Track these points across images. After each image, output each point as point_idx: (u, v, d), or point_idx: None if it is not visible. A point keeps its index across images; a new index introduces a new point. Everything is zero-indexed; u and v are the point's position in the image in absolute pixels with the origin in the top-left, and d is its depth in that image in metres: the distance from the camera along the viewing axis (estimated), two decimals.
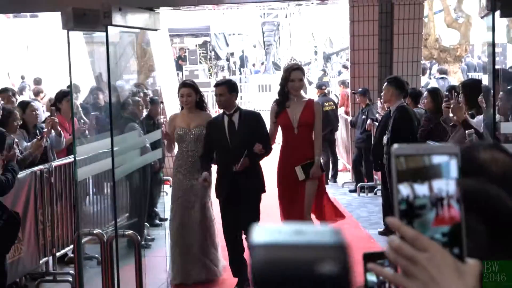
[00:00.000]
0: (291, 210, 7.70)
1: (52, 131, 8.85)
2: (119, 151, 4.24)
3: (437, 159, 1.32)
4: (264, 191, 7.72)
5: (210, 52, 37.15)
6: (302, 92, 7.98)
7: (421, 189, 1.34)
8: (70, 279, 8.10)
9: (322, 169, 7.86)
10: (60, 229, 8.32)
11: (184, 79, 22.56)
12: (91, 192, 8.16)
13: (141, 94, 8.40)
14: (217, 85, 8.13)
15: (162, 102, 9.57)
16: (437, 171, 1.33)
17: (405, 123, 8.74)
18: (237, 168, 7.34)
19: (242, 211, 7.41)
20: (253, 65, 41.12)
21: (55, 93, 10.62)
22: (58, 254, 8.37)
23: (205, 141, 7.71)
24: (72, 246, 8.67)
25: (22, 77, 20.81)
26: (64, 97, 10.22)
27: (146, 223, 7.94)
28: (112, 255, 4.31)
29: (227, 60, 39.90)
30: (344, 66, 17.73)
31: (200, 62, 35.26)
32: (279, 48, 41.16)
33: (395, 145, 1.34)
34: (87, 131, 8.07)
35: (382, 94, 9.58)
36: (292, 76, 7.59)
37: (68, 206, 8.51)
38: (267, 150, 7.57)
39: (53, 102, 11.02)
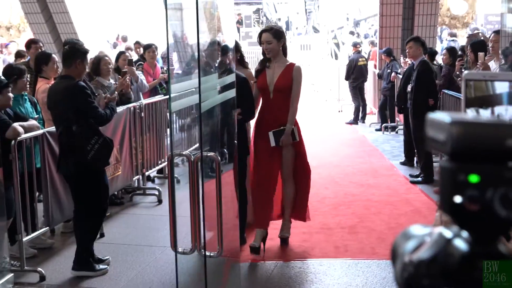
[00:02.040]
0: (265, 173, 6.11)
1: (140, 77, 8.95)
2: (203, 89, 4.25)
3: (499, 87, 1.30)
4: (243, 154, 6.12)
5: (262, 17, 37.18)
6: (282, 55, 6.12)
7: (485, 113, 1.31)
8: (156, 193, 8.27)
9: (293, 137, 6.01)
10: (148, 153, 8.46)
11: (241, 39, 22.63)
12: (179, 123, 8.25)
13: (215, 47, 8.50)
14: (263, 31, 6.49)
15: None
16: (499, 98, 1.30)
17: (427, 75, 8.72)
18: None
19: None
20: (296, 28, 40.78)
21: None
22: (146, 173, 8.51)
23: None
24: (157, 167, 8.87)
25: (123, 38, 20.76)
26: (146, 49, 10.35)
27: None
28: (198, 172, 4.35)
29: (275, 23, 39.71)
30: (372, 42, 17.59)
31: (253, 25, 35.37)
32: (317, 14, 40.68)
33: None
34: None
35: (406, 51, 9.49)
36: (262, 39, 5.99)
37: (155, 135, 8.64)
38: (247, 115, 6.19)
39: (140, 54, 11.18)
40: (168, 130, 8.03)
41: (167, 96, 8.66)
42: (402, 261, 1.03)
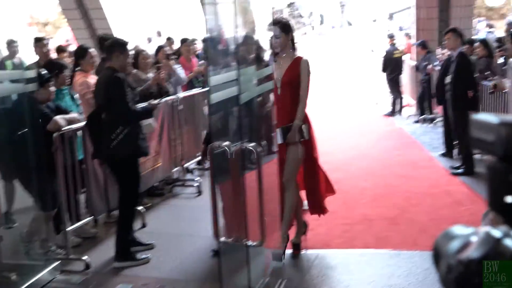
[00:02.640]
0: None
1: (177, 71, 9.01)
2: (242, 81, 4.27)
3: None
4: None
5: (295, 10, 37.13)
6: (290, 49, 5.71)
7: None
8: (195, 184, 8.34)
9: (302, 135, 5.56)
10: (187, 146, 8.52)
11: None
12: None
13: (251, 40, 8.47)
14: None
15: None
16: None
17: (466, 66, 8.62)
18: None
19: None
20: (330, 22, 40.70)
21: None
22: (185, 165, 8.58)
23: None
24: (195, 159, 8.94)
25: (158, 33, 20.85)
26: (183, 43, 10.46)
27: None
28: (238, 163, 4.38)
29: (308, 17, 39.73)
30: (407, 34, 17.48)
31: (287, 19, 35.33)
32: (352, 7, 40.53)
33: None
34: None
35: (443, 43, 9.40)
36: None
37: (193, 128, 8.70)
38: None
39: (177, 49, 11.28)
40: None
41: (204, 89, 8.74)
42: (448, 261, 1.04)
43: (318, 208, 6.01)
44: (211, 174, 4.46)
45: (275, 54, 5.71)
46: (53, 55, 10.50)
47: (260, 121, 5.44)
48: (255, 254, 4.63)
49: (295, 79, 5.56)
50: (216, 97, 4.29)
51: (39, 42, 9.17)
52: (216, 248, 5.56)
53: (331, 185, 6.11)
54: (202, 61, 10.23)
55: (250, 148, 4.52)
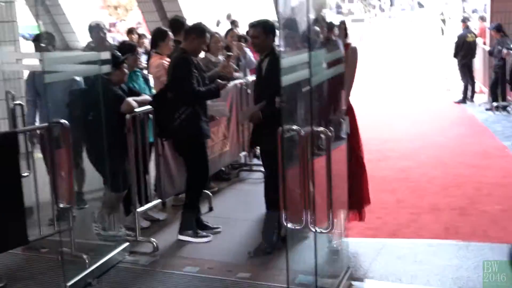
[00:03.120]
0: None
1: (247, 53, 9.04)
2: (314, 63, 4.26)
3: None
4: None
5: None
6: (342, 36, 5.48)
7: None
8: (262, 169, 8.37)
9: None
10: None
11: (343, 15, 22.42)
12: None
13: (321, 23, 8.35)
14: (251, 26, 5.91)
15: None
16: None
17: None
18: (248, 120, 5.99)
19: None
20: (401, 4, 39.99)
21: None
22: (254, 149, 8.62)
23: None
24: None
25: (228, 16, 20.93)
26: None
27: None
28: (307, 147, 4.38)
29: (379, 0, 39.20)
30: (481, 17, 17.01)
31: (356, 1, 34.88)
32: None
33: None
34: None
35: None
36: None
37: None
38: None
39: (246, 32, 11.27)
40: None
41: None
42: None
43: (355, 212, 5.72)
44: (279, 158, 4.47)
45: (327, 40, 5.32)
46: (124, 37, 10.67)
47: (329, 106, 5.39)
48: (322, 240, 4.63)
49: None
50: (286, 80, 4.31)
51: (130, 33, 9.46)
52: (253, 251, 5.66)
53: (368, 194, 5.79)
54: None
55: (321, 131, 4.51)
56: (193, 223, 6.11)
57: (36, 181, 5.81)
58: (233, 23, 13.55)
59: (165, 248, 5.95)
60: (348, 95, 5.22)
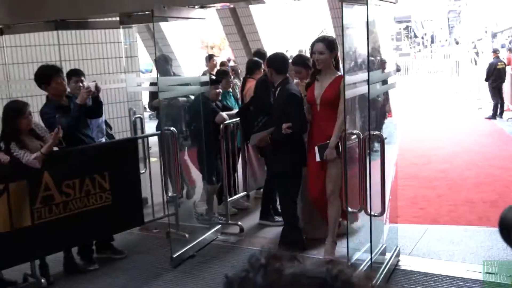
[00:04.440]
0: (314, 188, 4.92)
1: None
2: (371, 81, 4.19)
3: None
4: (285, 175, 5.04)
5: (411, 32, 35.96)
6: (332, 67, 4.79)
7: None
8: None
9: (338, 152, 4.60)
10: None
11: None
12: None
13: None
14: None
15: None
16: None
17: None
18: (252, 143, 5.49)
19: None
20: (439, 41, 38.91)
21: None
22: None
23: None
24: None
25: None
26: None
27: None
28: (366, 149, 4.29)
29: (422, 38, 38.32)
30: (509, 49, 16.41)
31: (403, 40, 34.28)
32: (459, 28, 38.59)
33: None
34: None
35: None
36: (314, 48, 4.74)
37: None
38: (297, 131, 4.87)
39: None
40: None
41: None
42: None
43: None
44: (342, 156, 4.41)
45: (316, 72, 4.82)
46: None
47: (381, 115, 5.29)
48: (375, 223, 4.53)
49: (333, 97, 4.62)
50: (350, 93, 4.27)
51: (211, 58, 9.60)
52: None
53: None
54: None
55: (377, 134, 4.43)
56: (270, 211, 6.09)
57: (150, 176, 5.96)
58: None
59: (249, 229, 5.96)
60: (342, 122, 4.46)
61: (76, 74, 5.45)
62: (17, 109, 4.52)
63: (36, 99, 6.07)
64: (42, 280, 4.80)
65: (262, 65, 6.92)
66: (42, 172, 4.62)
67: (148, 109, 10.04)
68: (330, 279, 0.65)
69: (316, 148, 4.71)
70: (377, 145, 4.71)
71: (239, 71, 10.62)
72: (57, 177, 4.77)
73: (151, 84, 6.81)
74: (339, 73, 4.71)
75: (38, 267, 4.90)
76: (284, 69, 5.10)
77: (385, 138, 4.57)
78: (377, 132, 4.36)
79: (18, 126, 4.49)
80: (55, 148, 4.70)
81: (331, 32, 14.85)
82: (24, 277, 4.93)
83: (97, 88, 4.95)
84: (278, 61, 5.14)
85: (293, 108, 4.85)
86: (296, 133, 4.88)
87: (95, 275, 5.05)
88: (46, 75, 4.87)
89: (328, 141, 4.63)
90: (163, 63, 6.62)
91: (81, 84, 5.22)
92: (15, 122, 4.48)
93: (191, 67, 6.90)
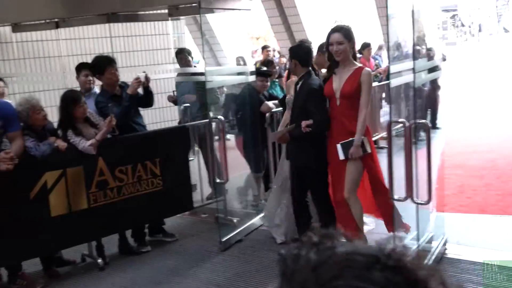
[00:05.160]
0: (336, 189, 4.51)
1: None
2: (416, 69, 4.15)
3: None
4: (314, 170, 4.61)
5: (457, 21, 35.04)
6: (351, 58, 4.39)
7: None
8: None
9: (364, 149, 4.29)
10: None
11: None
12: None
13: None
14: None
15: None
16: None
17: None
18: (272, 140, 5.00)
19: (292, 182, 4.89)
20: (487, 30, 37.76)
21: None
22: None
23: None
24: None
25: None
26: (365, 48, 10.27)
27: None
28: (411, 138, 4.26)
29: (469, 26, 37.29)
30: None
31: (449, 29, 33.52)
32: (508, 16, 37.34)
33: None
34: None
35: None
36: (332, 39, 4.34)
37: (370, 114, 8.52)
38: (317, 129, 4.43)
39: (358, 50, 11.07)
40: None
41: (380, 83, 8.59)
42: None
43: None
44: (388, 144, 4.38)
45: (333, 64, 4.45)
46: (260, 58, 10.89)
47: (427, 104, 5.20)
48: (422, 211, 4.50)
49: (354, 91, 4.28)
50: (396, 81, 4.24)
51: (265, 49, 9.64)
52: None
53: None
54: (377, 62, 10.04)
55: (423, 123, 4.39)
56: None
57: (199, 163, 6.06)
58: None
59: None
60: (365, 116, 4.27)
61: (85, 68, 5.42)
62: (73, 98, 4.70)
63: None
64: (99, 260, 4.99)
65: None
66: (97, 158, 4.80)
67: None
68: (383, 257, 0.65)
69: (338, 146, 4.34)
70: (423, 134, 4.66)
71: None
72: (111, 163, 4.93)
73: (179, 74, 6.89)
74: (359, 64, 4.42)
75: (95, 248, 5.10)
76: (308, 61, 4.69)
77: (439, 128, 4.51)
78: (423, 121, 4.31)
79: (74, 114, 4.67)
80: (109, 136, 4.85)
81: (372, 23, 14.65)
82: (82, 257, 5.15)
83: (147, 79, 5.08)
84: (303, 52, 4.71)
85: (313, 104, 4.43)
86: (316, 132, 4.47)
87: (147, 256, 5.21)
88: (100, 66, 5.03)
89: (351, 138, 4.28)
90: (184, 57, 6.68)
91: (91, 78, 5.34)
92: (71, 110, 4.66)
93: (237, 58, 6.94)
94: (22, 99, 4.71)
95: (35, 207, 4.51)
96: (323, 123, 4.42)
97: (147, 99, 5.21)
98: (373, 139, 8.53)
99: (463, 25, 35.73)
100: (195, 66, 7.70)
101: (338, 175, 4.43)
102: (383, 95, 9.26)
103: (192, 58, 6.51)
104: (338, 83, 4.36)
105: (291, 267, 0.67)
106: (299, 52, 4.71)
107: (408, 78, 4.30)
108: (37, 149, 4.44)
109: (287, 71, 7.30)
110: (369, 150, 4.31)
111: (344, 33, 4.33)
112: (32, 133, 4.50)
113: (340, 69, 4.39)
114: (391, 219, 4.47)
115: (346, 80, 4.32)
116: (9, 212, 4.37)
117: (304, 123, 4.36)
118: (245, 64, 6.42)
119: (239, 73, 5.99)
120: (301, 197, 4.78)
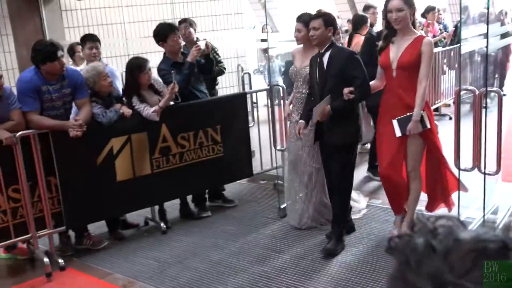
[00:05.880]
0: (385, 163, 4.17)
1: None
2: (490, 34, 3.92)
3: None
4: (352, 147, 4.25)
5: None
6: (411, 26, 3.99)
7: None
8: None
9: (423, 125, 3.95)
10: (427, 95, 8.08)
11: None
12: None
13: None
14: (313, 17, 4.27)
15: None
16: None
17: None
18: (316, 118, 4.16)
19: (327, 166, 4.43)
20: None
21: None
22: None
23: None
24: (433, 107, 8.48)
25: None
26: (429, 11, 9.84)
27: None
28: (481, 105, 4.07)
29: None
30: None
31: None
32: None
33: None
34: None
35: None
36: (390, 6, 3.95)
37: (432, 81, 8.23)
38: (361, 94, 4.05)
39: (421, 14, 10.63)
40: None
41: (444, 48, 8.24)
42: None
43: (438, 203, 4.42)
44: (456, 112, 4.21)
45: (390, 32, 4.07)
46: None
47: (495, 70, 4.94)
48: (487, 181, 4.32)
49: (413, 61, 3.93)
50: (466, 48, 4.03)
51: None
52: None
53: (455, 181, 4.27)
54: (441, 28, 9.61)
55: (495, 91, 4.18)
56: (376, 164, 5.97)
57: (259, 130, 6.04)
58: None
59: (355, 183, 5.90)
60: (424, 89, 3.94)
61: (90, 39, 5.32)
62: (138, 65, 4.73)
63: (151, 56, 6.29)
64: (161, 224, 5.10)
65: (369, 21, 6.69)
66: (161, 124, 4.85)
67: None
68: (510, 242, 0.63)
69: (394, 121, 4.00)
70: (489, 101, 4.45)
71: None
72: (174, 130, 4.98)
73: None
74: (419, 33, 4.07)
75: (157, 212, 5.21)
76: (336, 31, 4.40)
77: (505, 94, 4.30)
78: (494, 88, 4.10)
79: (139, 81, 4.71)
80: (172, 103, 4.88)
81: None
82: (145, 220, 5.28)
83: (207, 46, 5.04)
84: (335, 20, 4.30)
85: (357, 69, 4.04)
86: (362, 98, 4.19)
87: (208, 221, 5.28)
88: (163, 33, 5.03)
89: (409, 114, 3.94)
90: None
91: (95, 51, 5.25)
92: (136, 77, 4.70)
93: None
94: (88, 66, 4.79)
95: (102, 172, 4.63)
96: (368, 86, 4.08)
97: (208, 66, 5.18)
98: (435, 106, 8.33)
99: None
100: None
101: (394, 152, 4.09)
102: (445, 60, 8.90)
103: (195, 29, 5.74)
104: (395, 52, 4.01)
105: (416, 255, 0.63)
106: (335, 20, 4.30)
107: (480, 44, 4.09)
108: (104, 116, 4.53)
109: (347, 37, 7.07)
110: (428, 126, 3.99)
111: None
112: (99, 100, 4.58)
113: (398, 38, 4.03)
114: (448, 196, 4.29)
115: (405, 49, 3.96)
116: (78, 177, 4.50)
117: (346, 90, 3.93)
118: None
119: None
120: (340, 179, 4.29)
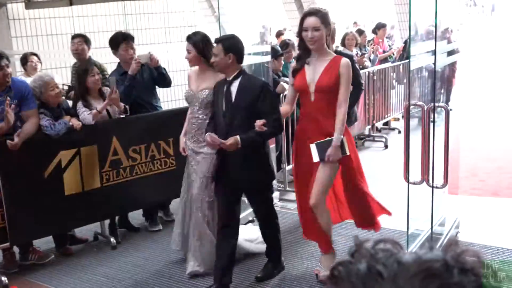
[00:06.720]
0: (304, 195, 3.85)
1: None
2: (437, 51, 4.01)
3: None
4: (266, 186, 3.96)
5: (470, 0, 34.18)
6: (326, 47, 3.71)
7: None
8: (383, 140, 8.13)
9: (343, 151, 3.66)
10: (378, 109, 8.28)
11: None
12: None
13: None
14: (215, 41, 3.87)
15: None
16: None
17: None
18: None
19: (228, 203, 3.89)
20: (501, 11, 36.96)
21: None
22: (376, 124, 8.38)
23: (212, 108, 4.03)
24: (383, 120, 8.67)
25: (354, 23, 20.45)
26: (379, 28, 10.07)
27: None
28: (429, 120, 4.15)
29: (482, 6, 36.49)
30: None
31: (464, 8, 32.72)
32: None
33: None
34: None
35: None
36: (306, 24, 3.64)
37: (382, 95, 8.42)
38: (275, 129, 3.67)
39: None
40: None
41: (393, 64, 8.45)
42: None
43: (369, 223, 4.17)
44: (404, 127, 4.28)
45: (304, 53, 3.78)
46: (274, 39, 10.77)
47: (448, 86, 5.05)
48: (435, 194, 4.41)
49: (332, 84, 3.65)
50: (414, 64, 4.12)
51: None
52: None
53: (382, 206, 4.20)
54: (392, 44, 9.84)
55: (442, 106, 4.28)
56: None
57: None
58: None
59: None
60: (344, 113, 3.65)
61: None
62: (84, 69, 4.71)
63: (109, 66, 6.17)
64: (111, 239, 4.96)
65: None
66: (112, 137, 4.73)
67: None
68: (451, 261, 0.62)
69: (313, 146, 3.68)
70: (436, 116, 4.55)
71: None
72: (125, 143, 4.87)
73: None
74: (334, 54, 3.78)
75: (107, 226, 5.06)
76: (242, 59, 3.83)
77: (451, 109, 4.41)
78: (442, 104, 4.20)
79: (87, 85, 4.64)
80: (122, 116, 4.80)
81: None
82: (95, 235, 5.12)
83: (152, 59, 4.97)
84: (241, 47, 3.80)
85: (269, 103, 3.65)
86: (274, 131, 3.77)
87: (158, 235, 5.17)
88: (115, 42, 5.01)
89: (328, 138, 3.65)
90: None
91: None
92: (84, 81, 4.65)
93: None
94: (36, 76, 4.65)
95: (49, 186, 4.47)
96: (281, 121, 3.71)
97: (160, 78, 5.12)
98: (385, 120, 8.51)
99: (475, 5, 35.09)
100: None
101: (307, 179, 3.81)
102: (394, 75, 9.11)
103: (89, 48, 5.42)
104: (312, 75, 3.71)
105: (362, 282, 0.61)
106: (238, 46, 3.77)
107: (428, 60, 4.19)
108: (52, 128, 4.38)
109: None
110: (348, 152, 3.71)
111: (321, 17, 3.64)
112: (47, 112, 4.44)
113: (313, 59, 3.74)
114: (371, 219, 4.12)
115: (323, 71, 3.68)
116: (23, 191, 4.33)
117: (259, 122, 3.52)
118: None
119: (255, 53, 5.86)
120: (232, 220, 3.87)
